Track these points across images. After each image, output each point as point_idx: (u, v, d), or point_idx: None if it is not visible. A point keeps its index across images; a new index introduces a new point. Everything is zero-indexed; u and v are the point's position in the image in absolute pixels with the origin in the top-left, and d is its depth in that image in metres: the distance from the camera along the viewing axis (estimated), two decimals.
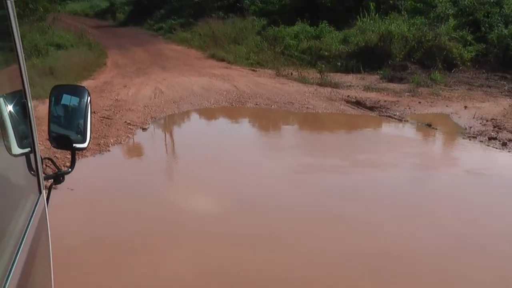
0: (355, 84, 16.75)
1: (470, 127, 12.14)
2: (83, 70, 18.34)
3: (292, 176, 9.19)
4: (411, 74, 17.28)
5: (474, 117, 12.85)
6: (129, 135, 11.46)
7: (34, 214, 2.18)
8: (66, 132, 2.75)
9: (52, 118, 2.74)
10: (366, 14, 21.97)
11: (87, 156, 9.55)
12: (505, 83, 17.02)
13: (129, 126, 12.01)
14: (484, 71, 18.32)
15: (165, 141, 11.97)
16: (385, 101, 14.43)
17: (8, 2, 2.10)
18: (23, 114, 2.26)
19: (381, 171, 9.58)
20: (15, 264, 1.74)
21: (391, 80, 17.18)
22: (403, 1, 22.95)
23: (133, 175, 9.29)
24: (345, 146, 11.25)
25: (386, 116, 13.21)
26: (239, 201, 7.98)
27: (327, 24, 22.73)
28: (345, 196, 8.24)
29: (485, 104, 14.24)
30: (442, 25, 19.44)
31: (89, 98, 2.77)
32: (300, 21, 23.84)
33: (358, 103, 14.29)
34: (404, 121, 12.81)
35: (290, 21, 24.26)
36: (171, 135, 12.44)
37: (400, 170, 9.67)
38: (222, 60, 22.21)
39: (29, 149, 2.29)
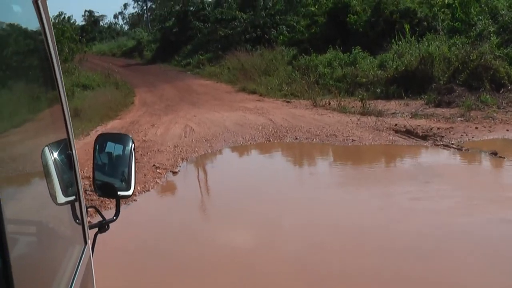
0: (400, 111, 15.09)
1: None
2: (109, 110, 17.07)
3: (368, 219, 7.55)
4: (459, 97, 15.56)
5: None
6: (157, 181, 10.10)
7: (80, 265, 2.14)
8: (110, 180, 2.67)
9: (97, 166, 2.69)
10: (402, 37, 20.33)
11: (109, 208, 7.81)
12: None
13: (157, 170, 10.67)
14: None
15: (199, 186, 10.43)
16: (438, 128, 12.75)
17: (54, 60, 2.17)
18: (67, 163, 2.21)
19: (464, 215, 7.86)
20: None
21: (438, 105, 15.48)
22: (439, 22, 21.25)
23: (164, 234, 7.78)
24: (412, 184, 9.53)
25: (443, 145, 11.53)
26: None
27: (360, 50, 21.15)
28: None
29: None
30: (484, 44, 17.65)
31: (133, 145, 2.71)
32: (331, 48, 22.33)
33: (408, 132, 12.63)
34: (465, 150, 11.11)
35: (321, 49, 22.85)
36: (205, 178, 10.91)
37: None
38: (254, 92, 20.88)
39: (74, 197, 2.22)
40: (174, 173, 10.70)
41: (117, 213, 2.76)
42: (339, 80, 19.59)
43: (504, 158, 10.43)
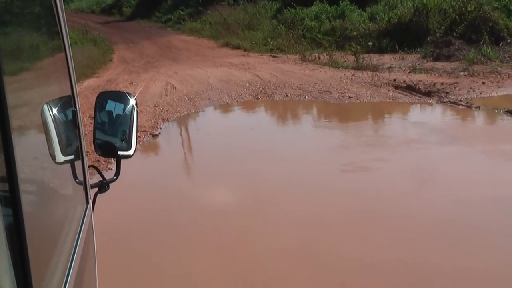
0: (396, 66, 13.63)
1: None
2: (86, 68, 15.32)
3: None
4: (458, 51, 14.14)
5: None
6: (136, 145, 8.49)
7: (83, 225, 2.07)
8: (111, 139, 2.57)
9: (97, 125, 2.58)
10: None
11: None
12: None
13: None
14: None
15: (182, 151, 8.95)
16: (442, 83, 11.35)
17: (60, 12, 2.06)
18: (70, 121, 2.12)
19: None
20: (69, 276, 1.67)
21: (436, 58, 14.04)
22: None
23: (143, 205, 6.36)
24: (427, 148, 8.12)
25: (450, 102, 10.14)
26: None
27: (348, 3, 19.48)
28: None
29: None
30: None
31: (134, 104, 2.55)
32: (318, 1, 20.61)
33: (409, 88, 11.21)
34: (475, 108, 9.72)
35: (307, 2, 21.05)
36: (188, 142, 9.38)
37: None
38: (238, 47, 19.24)
39: (73, 156, 2.08)
40: (154, 135, 9.26)
41: (117, 173, 2.65)
42: (327, 33, 17.99)
43: None
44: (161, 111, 10.55)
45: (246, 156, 8.00)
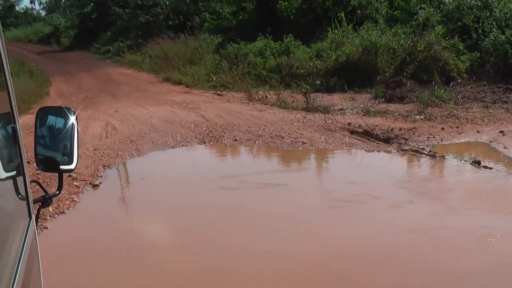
0: (348, 107, 12.72)
1: None
2: (21, 103, 13.78)
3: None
4: (411, 92, 13.35)
5: None
6: (74, 197, 7.47)
7: (26, 240, 2.02)
8: (52, 154, 2.55)
9: (38, 140, 2.55)
10: (338, 26, 17.98)
11: None
12: None
13: (74, 183, 7.97)
14: (485, 83, 14.49)
15: (126, 207, 7.70)
16: (400, 129, 10.45)
17: None
18: (10, 137, 2.08)
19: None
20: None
21: (389, 100, 13.18)
22: (374, 10, 19.02)
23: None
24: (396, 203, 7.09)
25: (412, 151, 9.19)
26: None
27: (292, 39, 18.55)
28: None
29: None
30: (428, 34, 15.45)
31: (75, 118, 2.57)
32: (262, 36, 19.64)
33: (367, 134, 10.26)
34: (439, 157, 8.81)
35: (250, 38, 20.10)
36: (132, 194, 8.10)
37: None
38: (179, 83, 18.18)
39: (15, 172, 2.10)
40: (95, 186, 8.00)
41: (60, 187, 2.63)
42: (273, 70, 16.97)
43: (491, 168, 8.20)
44: (102, 156, 9.32)
45: (198, 218, 6.83)
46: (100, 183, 8.15)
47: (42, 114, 2.63)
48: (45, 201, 2.54)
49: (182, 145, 10.16)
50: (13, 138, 2.09)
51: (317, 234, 6.16)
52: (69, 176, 8.03)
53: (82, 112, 12.97)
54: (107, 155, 9.44)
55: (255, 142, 10.15)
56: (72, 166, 2.54)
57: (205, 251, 5.79)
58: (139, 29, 30.39)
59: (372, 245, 5.74)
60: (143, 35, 29.27)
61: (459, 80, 14.65)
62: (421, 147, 9.35)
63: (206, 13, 28.18)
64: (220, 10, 25.94)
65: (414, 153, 9.08)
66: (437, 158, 8.79)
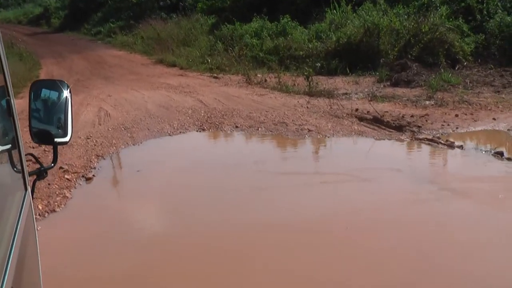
0: (353, 91, 11.95)
1: None
2: None
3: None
4: (417, 76, 12.58)
5: None
6: (66, 193, 6.72)
7: (22, 211, 2.04)
8: (47, 127, 2.56)
9: (32, 114, 2.53)
10: (337, 6, 17.18)
11: None
12: None
13: (66, 176, 7.19)
14: (491, 66, 13.75)
15: (121, 201, 6.92)
16: (411, 116, 9.71)
17: None
18: (5, 110, 2.09)
19: None
20: (9, 263, 1.63)
21: (395, 84, 12.40)
22: None
23: None
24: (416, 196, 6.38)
25: (427, 140, 8.48)
26: None
27: (289, 19, 17.73)
28: None
29: None
30: (432, 15, 14.68)
31: (69, 91, 2.57)
32: (257, 17, 18.79)
33: (377, 121, 9.54)
34: (458, 147, 8.11)
35: (245, 18, 19.24)
36: (128, 188, 7.35)
37: None
38: (173, 65, 17.29)
39: (10, 145, 2.13)
40: (88, 179, 7.24)
41: (54, 160, 2.65)
42: (270, 52, 16.15)
43: None
44: (95, 145, 8.56)
45: (204, 217, 6.09)
46: (93, 175, 7.40)
47: (36, 87, 2.60)
48: (40, 173, 2.56)
49: (180, 132, 9.40)
50: (8, 111, 2.09)
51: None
52: (60, 168, 7.32)
53: (74, 96, 11.85)
54: (101, 143, 8.67)
55: (257, 129, 9.40)
56: (67, 139, 2.55)
57: (216, 256, 5.07)
58: (131, 10, 29.55)
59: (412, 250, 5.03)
60: (134, 16, 28.34)
61: (465, 63, 13.92)
62: (436, 135, 8.65)
63: None
64: None
65: (430, 143, 8.37)
66: (455, 148, 8.09)
